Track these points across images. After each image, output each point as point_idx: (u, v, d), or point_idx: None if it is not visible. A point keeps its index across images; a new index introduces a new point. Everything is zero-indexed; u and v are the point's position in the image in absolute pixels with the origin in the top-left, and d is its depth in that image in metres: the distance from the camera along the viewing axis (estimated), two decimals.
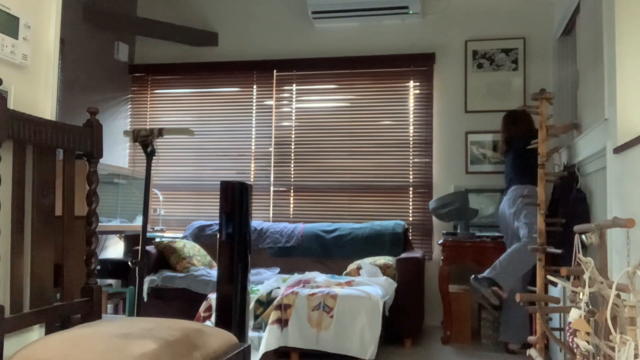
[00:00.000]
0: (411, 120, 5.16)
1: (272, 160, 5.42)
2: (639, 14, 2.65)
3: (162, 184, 5.56)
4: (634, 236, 2.24)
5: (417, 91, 5.18)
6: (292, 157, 5.38)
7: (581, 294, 1.84)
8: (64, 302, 1.91)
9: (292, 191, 5.36)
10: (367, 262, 4.41)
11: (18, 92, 1.90)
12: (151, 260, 4.55)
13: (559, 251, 3.26)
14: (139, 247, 2.62)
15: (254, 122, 5.49)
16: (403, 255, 4.39)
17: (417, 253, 4.50)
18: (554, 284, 3.27)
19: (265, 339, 3.54)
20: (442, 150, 5.07)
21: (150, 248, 4.63)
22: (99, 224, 2.07)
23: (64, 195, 1.93)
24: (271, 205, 5.38)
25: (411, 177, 5.13)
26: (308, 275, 4.18)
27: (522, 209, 3.99)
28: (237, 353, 1.80)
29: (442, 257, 4.34)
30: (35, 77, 1.99)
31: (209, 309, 3.78)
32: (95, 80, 5.20)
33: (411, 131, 5.16)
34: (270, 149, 5.43)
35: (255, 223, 5.10)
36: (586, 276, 1.83)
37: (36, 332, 1.97)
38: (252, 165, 5.46)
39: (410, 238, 4.96)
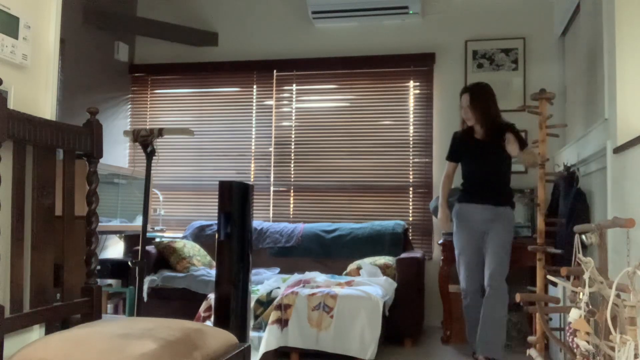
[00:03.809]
0: (411, 120, 5.16)
1: (272, 160, 5.42)
2: (639, 14, 2.65)
3: (162, 184, 5.56)
4: (634, 236, 2.24)
5: (417, 91, 5.18)
6: (292, 157, 5.38)
7: (581, 294, 1.84)
8: (64, 302, 1.91)
9: (292, 191, 5.36)
10: (367, 262, 4.41)
11: (18, 92, 1.90)
12: (151, 260, 4.54)
13: (559, 251, 3.26)
14: (139, 247, 2.62)
15: (254, 122, 5.49)
16: (403, 255, 4.39)
17: (417, 253, 4.50)
18: (554, 284, 3.27)
19: (265, 339, 3.54)
20: (442, 150, 5.07)
21: (150, 248, 4.63)
22: (99, 224, 2.07)
23: (64, 195, 1.93)
24: (271, 205, 5.38)
25: (411, 177, 5.13)
26: (308, 275, 4.18)
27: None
28: (237, 353, 1.80)
29: (442, 257, 4.34)
30: (35, 77, 1.99)
31: (209, 309, 3.78)
32: (95, 80, 5.20)
33: (411, 131, 5.16)
34: (270, 149, 5.43)
35: (255, 223, 5.10)
36: (586, 276, 1.83)
37: (36, 332, 1.97)
38: (252, 165, 5.46)
39: (410, 238, 4.96)
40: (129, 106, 5.72)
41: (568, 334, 1.93)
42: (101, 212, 3.73)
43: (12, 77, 1.88)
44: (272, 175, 5.40)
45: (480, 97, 3.72)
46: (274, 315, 3.61)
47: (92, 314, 1.99)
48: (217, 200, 2.86)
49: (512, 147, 3.50)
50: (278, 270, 4.78)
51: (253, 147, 5.47)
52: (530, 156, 3.52)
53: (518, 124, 4.82)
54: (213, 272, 4.52)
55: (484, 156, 3.71)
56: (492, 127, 3.70)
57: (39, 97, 2.01)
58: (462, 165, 3.82)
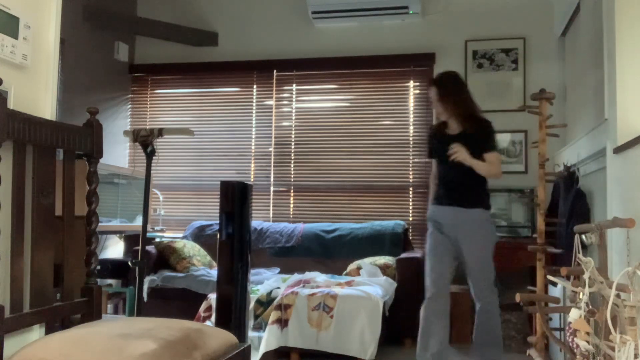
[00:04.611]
0: (411, 120, 5.16)
1: (272, 160, 5.42)
2: (639, 14, 2.65)
3: (162, 184, 5.55)
4: (634, 236, 2.24)
5: (417, 91, 5.18)
6: (292, 157, 5.38)
7: (581, 294, 1.84)
8: (64, 302, 1.91)
9: (292, 191, 5.36)
10: (367, 262, 4.40)
11: (18, 92, 1.90)
12: (151, 260, 4.54)
13: (559, 251, 3.26)
14: (139, 247, 2.62)
15: (254, 122, 5.49)
16: (403, 255, 4.39)
17: (417, 253, 4.50)
18: (554, 284, 3.27)
19: (265, 339, 3.54)
20: None
21: (150, 248, 4.63)
22: (99, 224, 2.07)
23: (64, 195, 1.93)
24: (271, 205, 5.38)
25: (411, 177, 5.13)
26: (308, 275, 4.18)
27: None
28: (237, 353, 1.80)
29: None
30: (35, 77, 1.99)
31: (209, 309, 3.78)
32: (95, 80, 5.20)
33: (411, 131, 5.16)
34: (270, 149, 5.43)
35: (255, 223, 5.10)
36: (586, 276, 1.83)
37: (36, 332, 1.97)
38: (252, 165, 5.46)
39: (410, 238, 4.95)
40: (129, 106, 5.71)
41: (568, 334, 1.93)
42: (101, 212, 3.74)
43: (12, 77, 1.88)
44: (272, 175, 5.40)
45: (448, 88, 3.32)
46: (274, 315, 3.61)
47: (92, 314, 1.99)
48: (217, 200, 2.86)
49: (460, 153, 3.17)
50: (278, 270, 4.77)
51: (253, 147, 5.47)
52: (484, 168, 3.21)
53: (518, 124, 4.88)
54: (213, 272, 4.52)
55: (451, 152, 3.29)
56: (468, 119, 3.30)
57: (39, 97, 2.01)
58: (436, 163, 3.47)
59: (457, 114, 3.31)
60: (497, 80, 4.99)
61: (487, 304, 3.29)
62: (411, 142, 5.15)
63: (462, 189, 3.31)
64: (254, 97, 5.51)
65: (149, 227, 4.60)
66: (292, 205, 5.35)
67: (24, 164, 1.78)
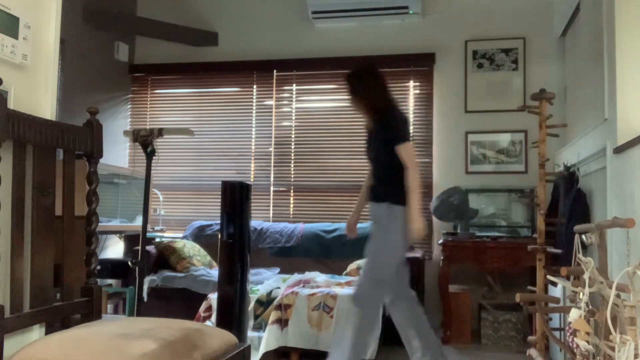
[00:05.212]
0: (411, 120, 5.16)
1: (272, 160, 5.42)
2: (639, 14, 2.66)
3: (162, 184, 5.55)
4: (634, 236, 2.24)
5: (417, 91, 5.18)
6: (292, 157, 5.38)
7: (581, 294, 1.84)
8: (64, 302, 1.91)
9: (292, 191, 5.36)
10: None
11: (18, 92, 1.90)
12: (151, 260, 4.54)
13: (559, 251, 3.27)
14: (139, 247, 2.62)
15: (254, 122, 5.49)
16: None
17: (417, 253, 4.50)
18: (554, 284, 3.27)
19: (265, 339, 3.54)
20: (442, 150, 5.07)
21: (150, 248, 4.63)
22: (99, 224, 2.07)
23: (64, 195, 1.93)
24: (271, 205, 5.38)
25: None
26: (308, 275, 4.18)
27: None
28: (237, 353, 1.80)
29: (442, 258, 4.34)
30: (35, 77, 1.99)
31: (209, 309, 3.78)
32: (95, 80, 5.20)
33: (411, 131, 5.15)
34: (270, 149, 5.43)
35: (255, 223, 5.10)
36: (586, 276, 1.83)
37: (36, 332, 1.97)
38: (252, 165, 5.46)
39: None
40: (129, 106, 5.71)
41: (568, 334, 1.93)
42: (101, 212, 3.74)
43: (12, 77, 1.88)
44: (272, 175, 5.40)
45: (354, 85, 3.25)
46: (274, 315, 3.61)
47: (92, 314, 1.99)
48: (217, 200, 2.86)
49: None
50: (278, 270, 4.77)
51: (253, 147, 5.47)
52: (412, 185, 3.07)
53: (518, 124, 4.89)
54: (213, 272, 4.52)
55: (370, 148, 3.29)
56: (377, 114, 3.21)
57: (39, 97, 2.01)
58: None
59: (366, 110, 3.25)
60: (497, 80, 4.99)
61: (355, 305, 3.12)
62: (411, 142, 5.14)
63: (375, 184, 3.24)
64: (254, 97, 5.51)
65: (149, 227, 4.60)
66: (292, 205, 5.35)
67: (24, 164, 1.78)
